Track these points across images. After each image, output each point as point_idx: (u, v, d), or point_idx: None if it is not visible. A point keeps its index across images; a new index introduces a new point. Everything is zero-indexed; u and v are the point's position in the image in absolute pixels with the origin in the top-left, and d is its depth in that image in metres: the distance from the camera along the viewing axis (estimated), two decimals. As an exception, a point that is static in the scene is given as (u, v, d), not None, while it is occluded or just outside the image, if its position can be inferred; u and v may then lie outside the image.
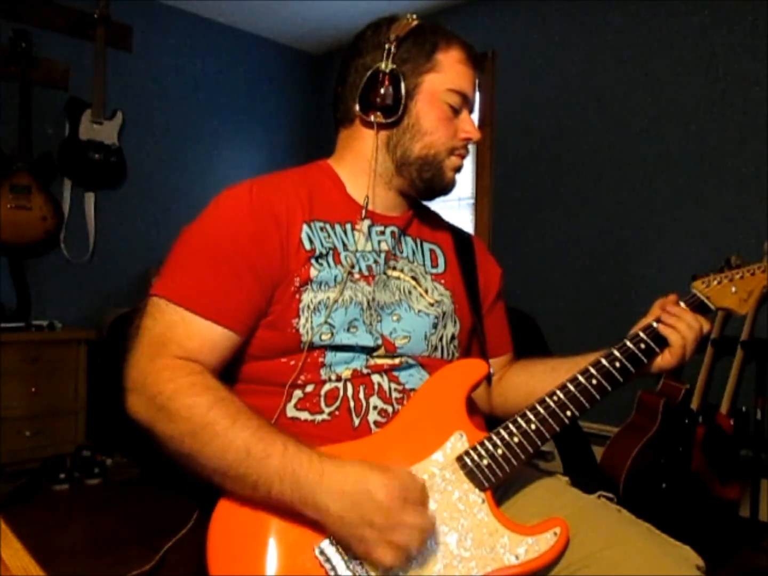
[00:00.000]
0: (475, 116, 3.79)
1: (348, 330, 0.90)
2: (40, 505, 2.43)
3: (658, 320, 0.92)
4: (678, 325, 0.90)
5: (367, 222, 0.98)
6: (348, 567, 0.75)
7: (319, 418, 0.88)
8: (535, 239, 3.12)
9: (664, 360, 0.93)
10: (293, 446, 0.76)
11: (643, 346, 0.90)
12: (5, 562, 0.55)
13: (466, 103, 1.01)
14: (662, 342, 0.91)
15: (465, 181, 3.47)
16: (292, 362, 0.89)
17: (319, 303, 0.89)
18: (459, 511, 0.80)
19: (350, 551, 0.76)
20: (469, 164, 3.45)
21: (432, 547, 0.78)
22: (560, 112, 3.05)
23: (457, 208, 3.50)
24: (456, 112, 1.00)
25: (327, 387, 0.89)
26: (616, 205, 2.82)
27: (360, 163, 1.00)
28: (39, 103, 2.96)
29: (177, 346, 0.83)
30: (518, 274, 3.12)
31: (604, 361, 0.89)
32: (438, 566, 0.77)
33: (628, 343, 0.90)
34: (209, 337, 0.85)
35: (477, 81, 1.03)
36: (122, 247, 3.34)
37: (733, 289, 0.95)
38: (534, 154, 3.16)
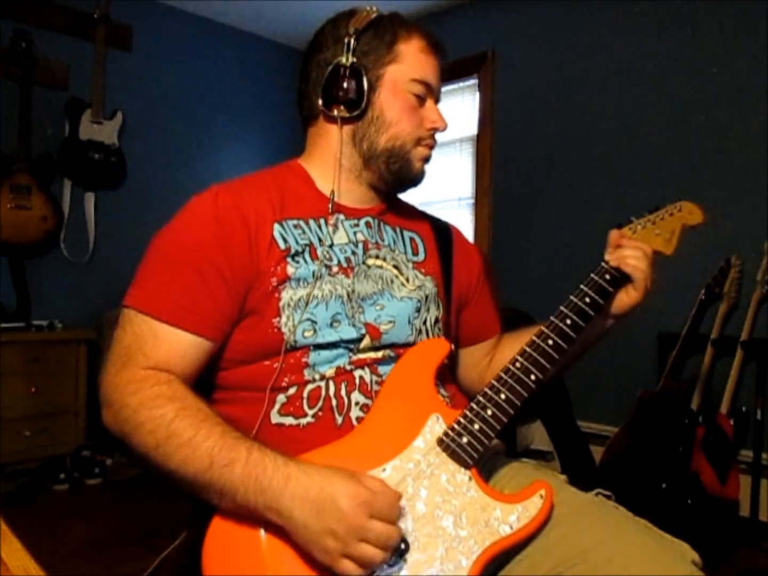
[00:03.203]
0: (475, 115, 3.75)
1: (331, 325, 0.90)
2: (40, 505, 2.43)
3: (606, 260, 0.96)
4: (625, 253, 0.94)
5: (339, 216, 0.98)
6: None
7: (303, 421, 0.87)
8: (535, 239, 3.12)
9: (630, 296, 0.96)
10: (257, 452, 0.75)
11: (588, 300, 0.93)
12: (5, 562, 0.55)
13: (431, 92, 1.00)
14: (605, 293, 0.94)
15: (465, 181, 3.47)
16: (275, 365, 0.88)
17: (299, 300, 0.89)
18: (449, 493, 0.81)
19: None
20: (469, 164, 3.45)
21: (432, 533, 0.78)
22: (560, 112, 3.05)
23: (457, 208, 3.50)
24: (421, 101, 0.99)
25: (309, 387, 0.89)
26: (616, 204, 2.81)
27: (327, 159, 1.00)
28: (39, 103, 2.96)
29: (144, 357, 0.82)
30: (518, 274, 3.12)
31: (555, 320, 0.92)
32: (440, 550, 0.78)
33: (574, 299, 0.93)
34: (177, 345, 0.84)
35: (440, 69, 1.02)
36: (122, 247, 3.33)
37: (657, 231, 1.00)
38: (534, 153, 3.16)
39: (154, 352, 0.83)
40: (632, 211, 1.07)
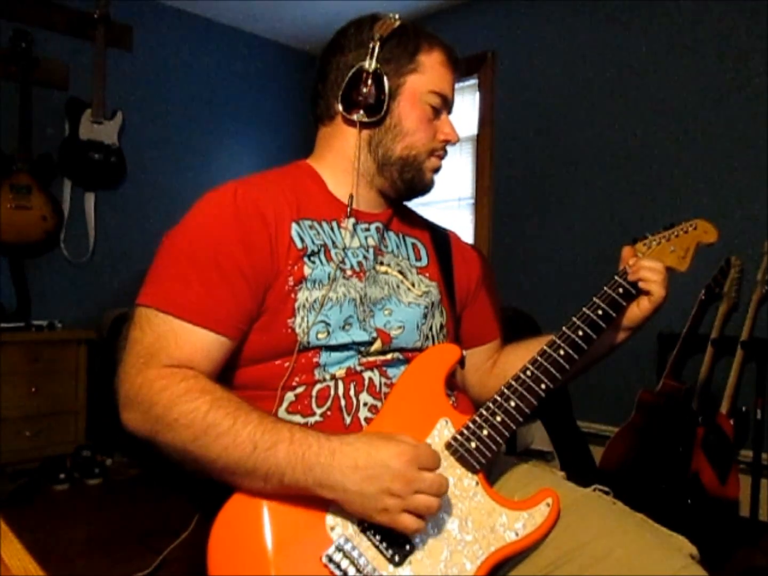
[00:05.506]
0: (475, 115, 3.75)
1: (343, 328, 0.90)
2: (40, 505, 2.43)
3: (620, 274, 0.97)
4: (643, 273, 0.95)
5: (351, 220, 0.98)
6: (358, 570, 0.75)
7: (311, 420, 0.88)
8: (536, 239, 3.12)
9: (642, 308, 0.97)
10: (299, 432, 0.76)
11: (600, 312, 0.93)
12: (5, 562, 0.55)
13: (446, 105, 1.02)
14: (617, 307, 0.95)
15: (465, 181, 3.47)
16: (287, 364, 0.88)
17: (315, 301, 0.89)
18: (456, 497, 0.82)
19: (371, 530, 0.77)
20: (469, 164, 3.45)
21: (436, 536, 0.78)
22: (560, 111, 3.05)
23: (457, 208, 3.49)
24: (436, 113, 1.00)
25: (318, 387, 0.89)
26: (616, 204, 2.81)
27: (341, 162, 1.00)
28: (39, 103, 2.96)
29: (167, 356, 0.81)
30: (518, 274, 3.12)
31: (567, 331, 0.92)
32: (444, 554, 0.78)
33: (586, 311, 0.94)
34: (201, 344, 0.83)
35: (455, 83, 1.04)
36: (122, 247, 3.34)
37: (672, 248, 1.01)
38: (534, 154, 3.16)
39: (177, 352, 0.82)
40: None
